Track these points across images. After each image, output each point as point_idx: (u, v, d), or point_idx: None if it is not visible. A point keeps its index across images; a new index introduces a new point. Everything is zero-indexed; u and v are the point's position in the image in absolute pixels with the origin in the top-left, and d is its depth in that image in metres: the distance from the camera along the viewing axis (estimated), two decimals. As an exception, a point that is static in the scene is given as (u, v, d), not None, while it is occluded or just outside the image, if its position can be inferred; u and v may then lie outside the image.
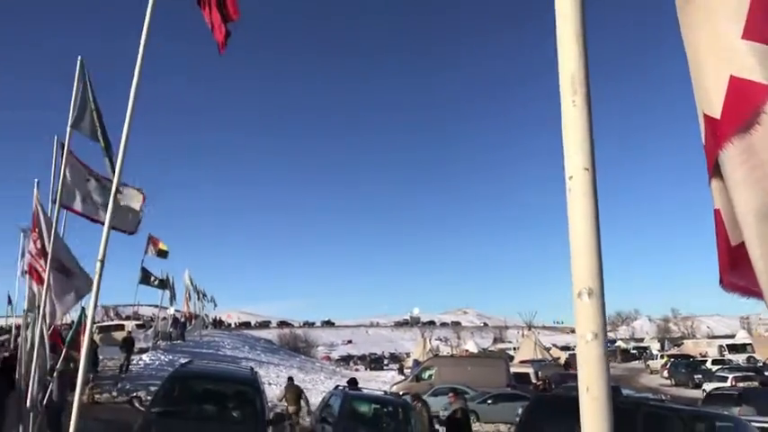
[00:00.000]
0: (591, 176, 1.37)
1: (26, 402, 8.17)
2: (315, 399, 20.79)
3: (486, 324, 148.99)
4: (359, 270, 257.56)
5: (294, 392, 16.55)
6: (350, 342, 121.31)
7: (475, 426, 21.71)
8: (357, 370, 59.93)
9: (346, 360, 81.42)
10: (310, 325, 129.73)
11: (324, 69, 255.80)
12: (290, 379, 18.90)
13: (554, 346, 61.55)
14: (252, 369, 12.07)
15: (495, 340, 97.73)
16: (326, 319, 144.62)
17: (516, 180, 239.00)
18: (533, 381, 28.04)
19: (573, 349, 72.82)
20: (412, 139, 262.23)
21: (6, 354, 11.22)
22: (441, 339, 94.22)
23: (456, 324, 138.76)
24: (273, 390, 22.11)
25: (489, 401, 23.42)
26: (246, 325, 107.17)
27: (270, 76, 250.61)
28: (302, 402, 16.02)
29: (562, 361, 42.95)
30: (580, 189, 1.36)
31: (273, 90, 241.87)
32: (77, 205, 8.14)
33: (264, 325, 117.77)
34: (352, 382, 16.37)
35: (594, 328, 1.28)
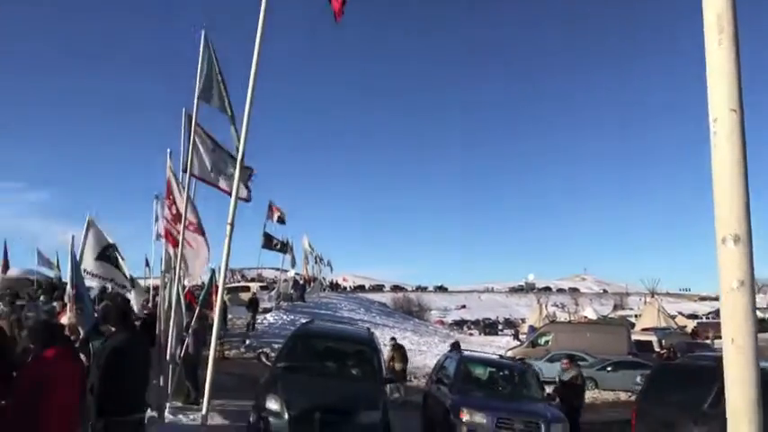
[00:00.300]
0: (738, 118, 1.27)
1: (165, 356, 8.85)
2: (430, 361, 21.13)
3: (605, 290, 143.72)
4: (472, 236, 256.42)
5: (399, 352, 17.02)
6: (463, 307, 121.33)
7: (593, 392, 21.19)
8: (471, 334, 60.07)
9: (460, 324, 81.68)
10: (423, 290, 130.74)
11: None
12: (394, 339, 19.58)
13: (679, 314, 58.37)
14: (369, 330, 12.40)
15: (616, 307, 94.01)
16: (439, 284, 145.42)
17: (635, 137, 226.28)
18: (656, 349, 26.81)
19: (700, 318, 68.84)
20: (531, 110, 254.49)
21: (147, 312, 12.21)
22: (557, 305, 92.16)
23: (573, 290, 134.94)
24: (388, 352, 22.68)
25: (609, 369, 22.74)
26: (361, 288, 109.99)
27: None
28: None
29: (689, 329, 40.64)
30: (725, 131, 1.26)
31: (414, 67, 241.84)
32: (205, 174, 8.58)
33: (378, 288, 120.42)
34: (455, 346, 16.44)
35: (741, 276, 1.19)
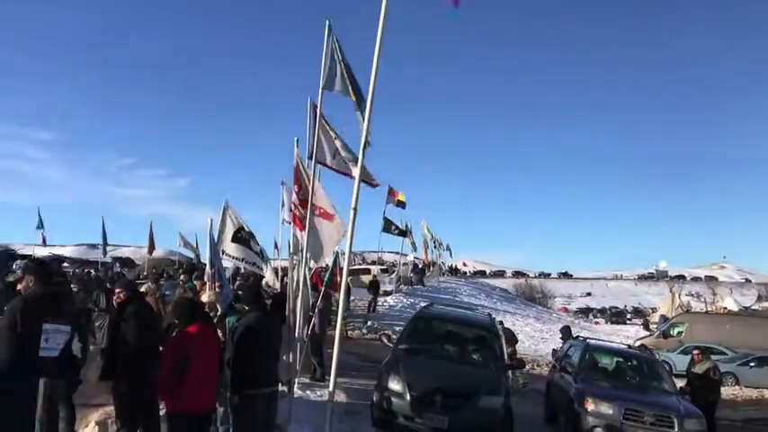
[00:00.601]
0: None
1: (294, 333, 9.29)
2: (552, 349, 20.63)
3: (747, 280, 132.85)
4: (598, 220, 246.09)
5: (509, 335, 16.75)
6: (588, 294, 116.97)
7: (733, 389, 19.78)
8: (597, 323, 57.81)
9: (585, 312, 78.81)
10: (546, 276, 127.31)
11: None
12: (501, 323, 19.26)
13: (835, 306, 52.82)
14: (490, 315, 12.33)
15: (760, 298, 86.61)
16: (563, 271, 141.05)
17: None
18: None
19: None
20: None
21: (276, 291, 12.88)
22: (692, 295, 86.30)
23: (711, 279, 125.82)
24: (510, 337, 22.38)
25: (752, 364, 21.09)
26: (481, 273, 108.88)
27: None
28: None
29: None
30: None
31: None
32: (329, 161, 8.86)
33: (499, 274, 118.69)
34: (566, 331, 15.83)
35: None
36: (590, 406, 9.47)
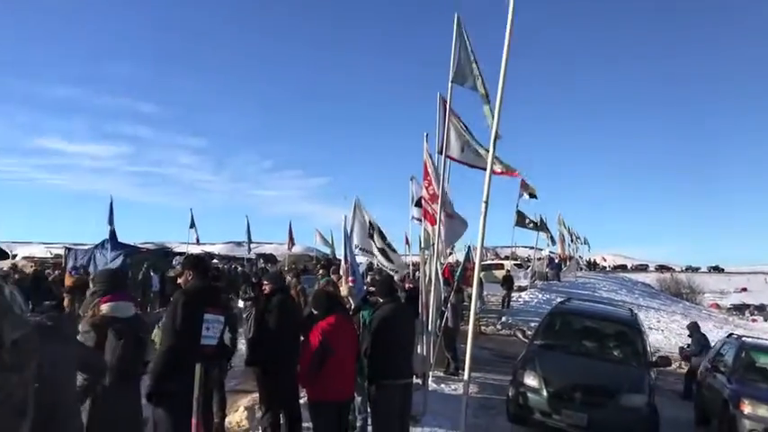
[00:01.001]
0: None
1: (427, 327, 9.39)
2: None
3: None
4: (754, 210, 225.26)
5: None
6: (744, 290, 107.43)
7: None
8: (754, 321, 53.03)
9: (740, 309, 72.36)
10: (694, 270, 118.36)
11: None
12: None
13: None
14: (631, 311, 11.76)
15: None
16: (714, 265, 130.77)
17: None
18: None
19: None
20: None
21: (410, 285, 13.06)
22: None
23: None
24: (654, 335, 21.16)
25: None
26: (622, 268, 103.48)
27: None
28: None
29: None
30: None
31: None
32: (458, 154, 8.85)
33: (642, 268, 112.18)
34: (693, 327, 14.55)
35: None
36: (746, 408, 8.71)
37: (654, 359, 9.42)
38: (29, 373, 2.28)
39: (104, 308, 4.30)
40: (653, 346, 12.53)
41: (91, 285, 4.48)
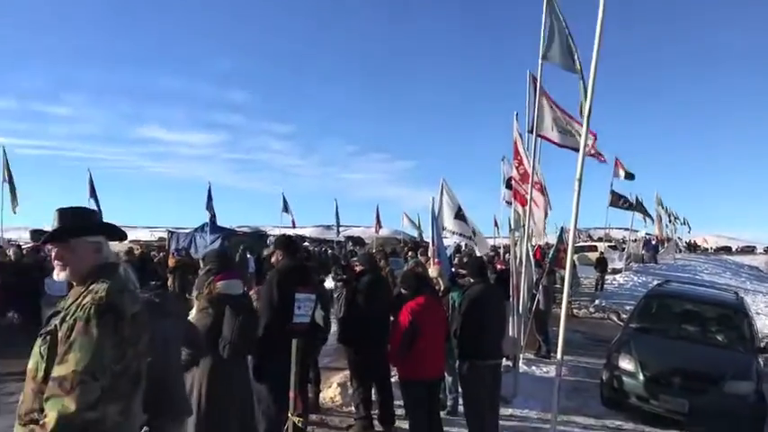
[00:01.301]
0: None
1: (518, 309, 9.29)
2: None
3: None
4: None
5: None
6: None
7: None
8: None
9: None
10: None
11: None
12: None
13: None
14: (736, 294, 11.16)
15: None
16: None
17: None
18: None
19: None
20: None
21: (502, 267, 12.92)
22: None
23: None
24: (763, 320, 19.92)
25: None
26: (726, 250, 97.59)
27: None
28: None
29: None
30: None
31: None
32: (549, 134, 8.64)
33: (748, 250, 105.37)
34: None
35: None
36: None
37: (762, 345, 8.92)
38: (143, 346, 2.47)
39: (219, 285, 4.45)
40: (761, 332, 11.84)
41: (201, 265, 4.69)
